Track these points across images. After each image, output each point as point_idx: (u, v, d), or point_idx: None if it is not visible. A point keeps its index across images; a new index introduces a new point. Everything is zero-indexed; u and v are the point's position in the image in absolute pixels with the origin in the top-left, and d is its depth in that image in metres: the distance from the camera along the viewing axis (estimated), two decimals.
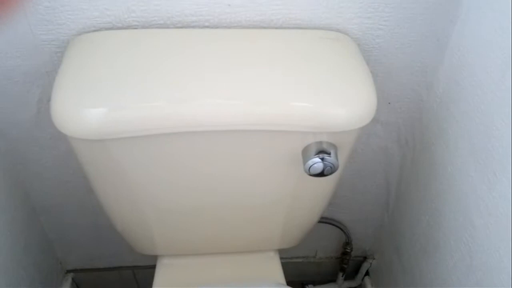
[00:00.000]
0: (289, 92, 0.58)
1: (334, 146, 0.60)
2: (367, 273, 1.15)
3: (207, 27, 0.65)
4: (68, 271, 1.12)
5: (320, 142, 0.60)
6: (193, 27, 0.64)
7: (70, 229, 0.99)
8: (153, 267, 0.92)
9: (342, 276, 1.15)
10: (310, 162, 0.59)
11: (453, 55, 0.70)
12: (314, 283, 1.18)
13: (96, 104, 0.55)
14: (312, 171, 0.60)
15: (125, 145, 0.58)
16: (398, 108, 0.79)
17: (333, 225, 1.03)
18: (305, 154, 0.60)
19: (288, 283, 0.81)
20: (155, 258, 0.87)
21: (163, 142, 0.59)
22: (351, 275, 1.18)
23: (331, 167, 0.59)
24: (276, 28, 0.66)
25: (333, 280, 1.18)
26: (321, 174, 0.60)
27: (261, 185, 0.68)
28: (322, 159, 0.59)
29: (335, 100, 0.58)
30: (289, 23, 0.66)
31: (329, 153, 0.59)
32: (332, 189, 0.70)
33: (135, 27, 0.64)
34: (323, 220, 1.01)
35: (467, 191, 0.67)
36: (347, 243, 1.07)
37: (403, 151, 0.86)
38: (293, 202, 0.71)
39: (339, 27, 0.67)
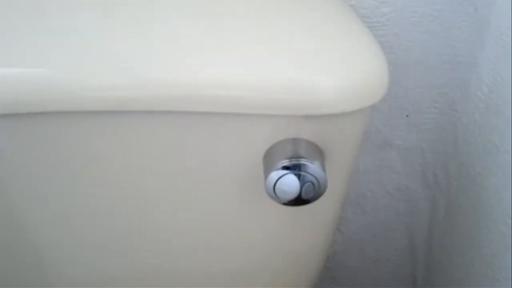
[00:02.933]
0: (243, 51, 0.33)
1: (318, 149, 0.34)
2: None
3: None
4: None
5: (295, 141, 0.34)
6: None
7: None
8: None
9: None
10: (274, 175, 0.33)
11: (500, 34, 0.46)
12: None
13: None
14: (280, 192, 0.33)
15: None
16: (421, 123, 0.54)
17: None
18: (269, 161, 0.34)
19: None
20: None
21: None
22: None
23: (313, 183, 0.33)
24: None
25: None
26: (298, 199, 0.34)
27: (208, 217, 0.40)
28: (297, 167, 0.33)
29: (318, 64, 0.33)
30: None
31: (310, 160, 0.33)
32: (326, 233, 0.42)
33: None
34: None
35: None
36: None
37: (433, 194, 0.59)
38: (258, 255, 0.43)
39: None
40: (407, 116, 0.53)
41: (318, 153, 0.34)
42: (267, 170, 0.34)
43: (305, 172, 0.32)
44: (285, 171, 0.33)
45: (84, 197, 0.37)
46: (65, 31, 0.34)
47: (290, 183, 0.33)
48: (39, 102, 0.32)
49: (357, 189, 0.59)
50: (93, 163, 0.35)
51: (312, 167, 0.32)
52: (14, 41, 0.34)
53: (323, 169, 0.33)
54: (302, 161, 0.32)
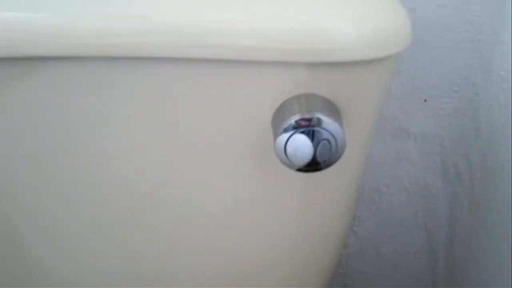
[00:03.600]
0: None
1: (333, 106, 0.31)
2: None
3: None
4: None
5: (307, 96, 0.30)
6: None
7: None
8: None
9: None
10: (284, 135, 0.29)
11: None
12: None
13: None
14: (292, 154, 0.29)
15: None
16: (440, 109, 0.50)
17: None
18: (278, 120, 0.31)
19: None
20: None
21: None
22: None
23: (329, 141, 0.29)
24: None
25: None
26: (313, 162, 0.30)
27: (209, 191, 0.36)
28: (310, 124, 0.29)
29: (334, 9, 0.29)
30: None
31: (324, 114, 0.29)
32: (343, 211, 0.38)
33: None
34: None
35: None
36: None
37: (454, 189, 0.55)
38: (271, 236, 0.39)
39: None
40: (425, 100, 0.49)
41: (334, 110, 0.30)
42: (276, 132, 0.30)
43: (320, 127, 0.29)
44: (295, 131, 0.29)
45: (80, 157, 0.33)
46: None
47: (302, 143, 0.29)
48: (37, 46, 0.29)
49: (371, 184, 0.54)
50: (92, 113, 0.31)
51: (327, 121, 0.29)
52: None
53: (340, 125, 0.29)
54: (316, 115, 0.29)
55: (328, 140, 0.29)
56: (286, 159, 0.30)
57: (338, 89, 0.30)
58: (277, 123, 0.30)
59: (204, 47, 0.28)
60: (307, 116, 0.29)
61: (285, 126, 0.29)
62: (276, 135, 0.30)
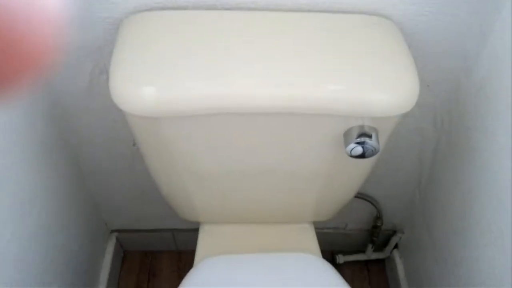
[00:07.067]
0: (332, 77, 0.60)
1: (375, 130, 0.63)
2: (396, 246, 1.19)
3: (253, 8, 0.67)
4: (113, 231, 1.20)
5: (362, 126, 0.63)
6: (241, 8, 0.67)
7: (115, 192, 1.06)
8: (191, 231, 0.98)
9: (372, 248, 1.19)
10: (351, 145, 0.62)
11: (495, 43, 0.70)
12: (343, 253, 1.23)
13: (153, 83, 0.59)
14: (354, 153, 0.63)
15: (176, 123, 0.62)
16: (436, 91, 0.81)
17: (365, 199, 1.06)
18: (347, 137, 0.63)
19: None
20: (194, 223, 0.93)
21: (210, 121, 0.63)
22: (379, 247, 1.23)
23: (372, 150, 0.62)
24: (321, 11, 0.68)
25: (362, 250, 1.23)
26: (362, 156, 0.63)
27: (302, 161, 0.71)
28: (363, 142, 0.62)
29: (378, 86, 0.60)
30: (334, 7, 0.67)
31: (370, 136, 0.62)
32: (370, 169, 0.74)
33: (185, 8, 0.66)
34: (355, 195, 1.04)
35: (503, 177, 0.69)
36: (378, 217, 1.10)
37: (438, 133, 0.88)
38: (331, 177, 0.75)
39: (384, 12, 0.68)
40: (427, 85, 0.79)
41: (375, 131, 0.63)
42: (346, 142, 0.63)
43: (368, 144, 0.62)
44: (356, 144, 0.62)
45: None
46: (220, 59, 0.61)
47: (359, 149, 0.62)
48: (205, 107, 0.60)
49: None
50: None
51: (371, 142, 0.61)
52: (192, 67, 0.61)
53: (378, 141, 0.62)
54: (366, 139, 0.61)
55: (371, 150, 0.62)
56: (350, 154, 0.63)
57: (378, 123, 0.62)
58: (347, 138, 0.63)
59: (309, 107, 0.60)
60: (362, 139, 0.61)
61: (352, 141, 0.62)
62: (346, 143, 0.63)
